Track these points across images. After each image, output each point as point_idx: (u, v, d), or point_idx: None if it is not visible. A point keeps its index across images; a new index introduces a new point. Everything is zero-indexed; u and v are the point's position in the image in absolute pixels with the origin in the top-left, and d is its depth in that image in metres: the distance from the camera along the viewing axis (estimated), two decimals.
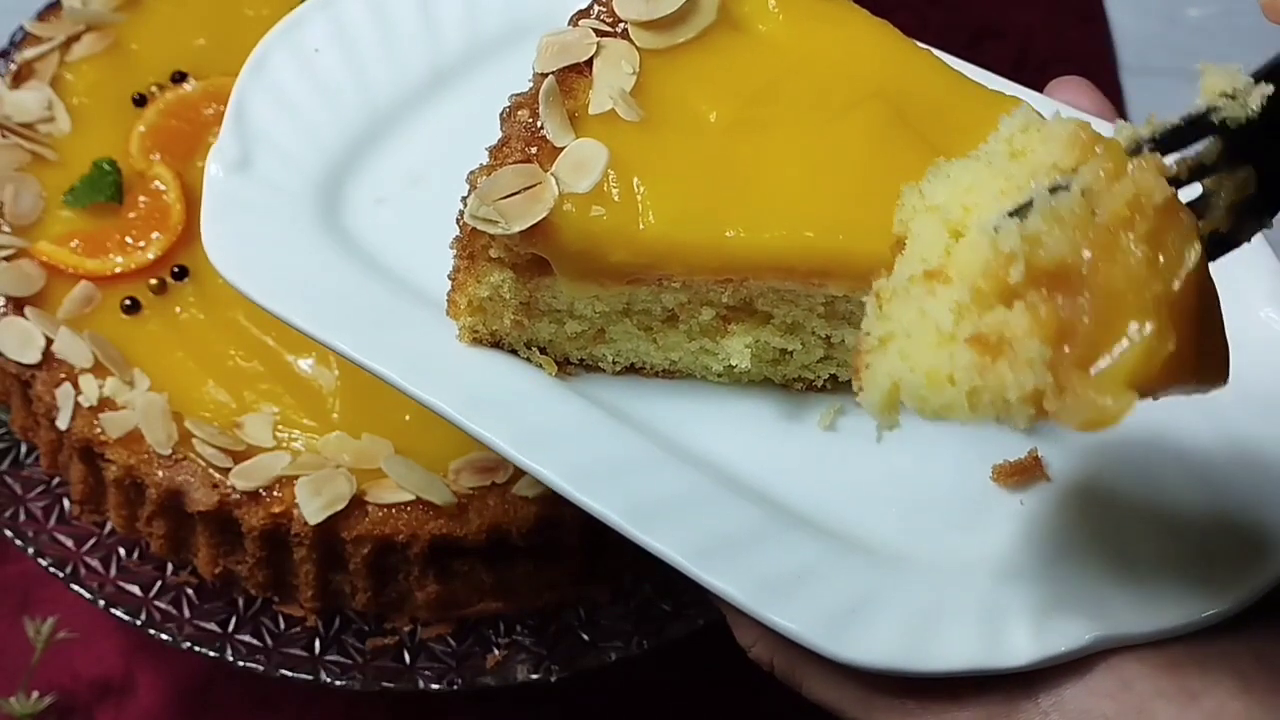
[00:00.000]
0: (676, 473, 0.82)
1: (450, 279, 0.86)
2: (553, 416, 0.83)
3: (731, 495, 0.81)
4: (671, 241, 0.79)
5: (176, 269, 1.18)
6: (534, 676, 1.12)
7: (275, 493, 1.06)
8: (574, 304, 0.85)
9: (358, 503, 1.06)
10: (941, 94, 0.85)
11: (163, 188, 1.22)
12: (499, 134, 0.84)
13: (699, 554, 0.77)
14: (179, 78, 1.29)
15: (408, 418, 1.11)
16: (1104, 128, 0.93)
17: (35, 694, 1.20)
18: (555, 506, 1.07)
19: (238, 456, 1.07)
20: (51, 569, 1.14)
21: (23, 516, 1.17)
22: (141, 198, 1.21)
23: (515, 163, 0.80)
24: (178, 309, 1.16)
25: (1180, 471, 0.83)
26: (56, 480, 1.20)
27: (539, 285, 0.84)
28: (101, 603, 1.13)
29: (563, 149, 0.81)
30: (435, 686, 1.12)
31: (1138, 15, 1.86)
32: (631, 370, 0.90)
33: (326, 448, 1.09)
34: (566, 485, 0.78)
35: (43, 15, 1.33)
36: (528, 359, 0.87)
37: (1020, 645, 0.75)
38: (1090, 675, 0.75)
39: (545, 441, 0.80)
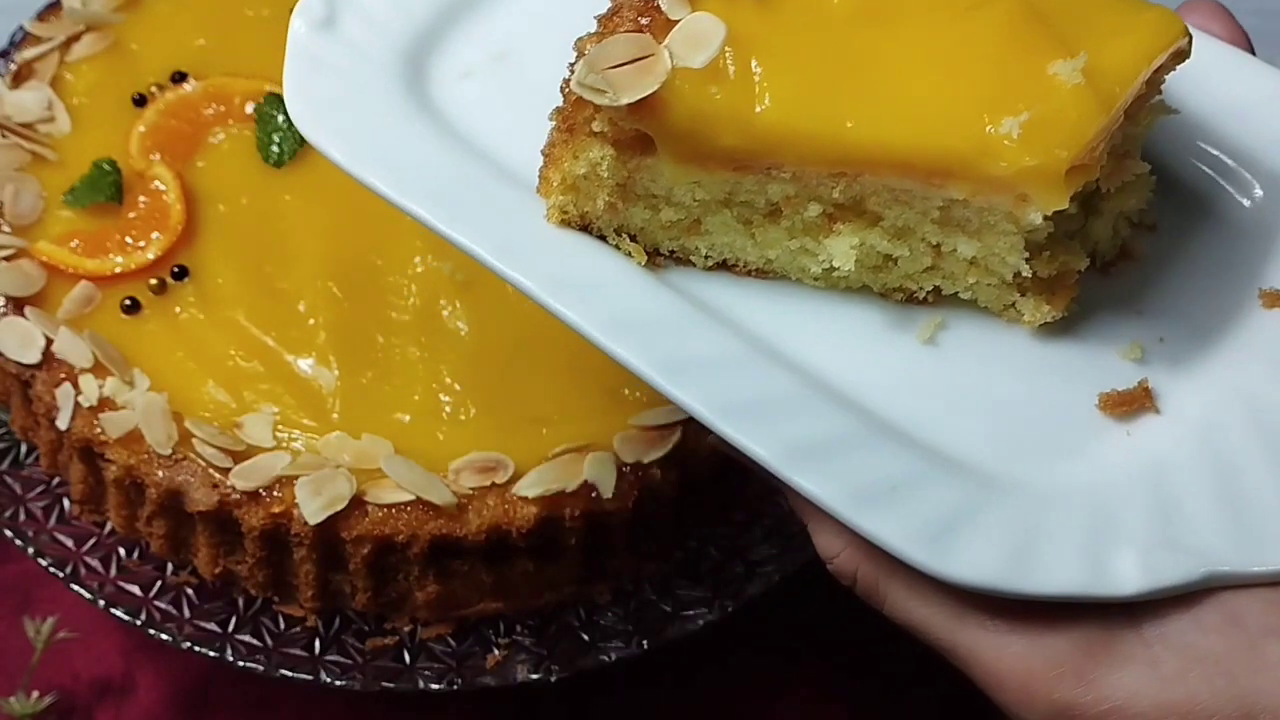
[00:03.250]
0: (767, 373, 0.78)
1: (544, 154, 0.83)
2: (641, 304, 0.81)
3: (824, 400, 0.78)
4: (787, 128, 0.76)
5: (176, 269, 1.18)
6: (534, 676, 1.12)
7: (275, 493, 1.06)
8: (672, 190, 0.82)
9: (358, 503, 1.06)
10: None
11: (163, 188, 1.22)
12: (594, 18, 0.81)
13: (790, 456, 0.74)
14: (179, 78, 1.29)
15: (408, 418, 1.11)
16: (1238, 54, 0.90)
17: (35, 694, 1.20)
18: (555, 506, 1.07)
19: (238, 456, 1.07)
20: (51, 569, 1.14)
21: (23, 516, 1.17)
22: (141, 198, 1.21)
23: (627, 32, 0.77)
24: (178, 309, 1.16)
25: None
26: (56, 480, 1.20)
27: (639, 166, 0.81)
28: (101, 603, 1.13)
29: (677, 22, 0.77)
30: (435, 686, 1.12)
31: None
32: (723, 267, 0.86)
33: (326, 448, 1.09)
34: (654, 374, 0.75)
35: (43, 15, 1.33)
36: (616, 246, 0.84)
37: (1127, 574, 0.72)
38: (1198, 609, 0.72)
39: (632, 329, 0.78)
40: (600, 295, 0.80)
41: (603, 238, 0.85)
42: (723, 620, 1.16)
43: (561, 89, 0.80)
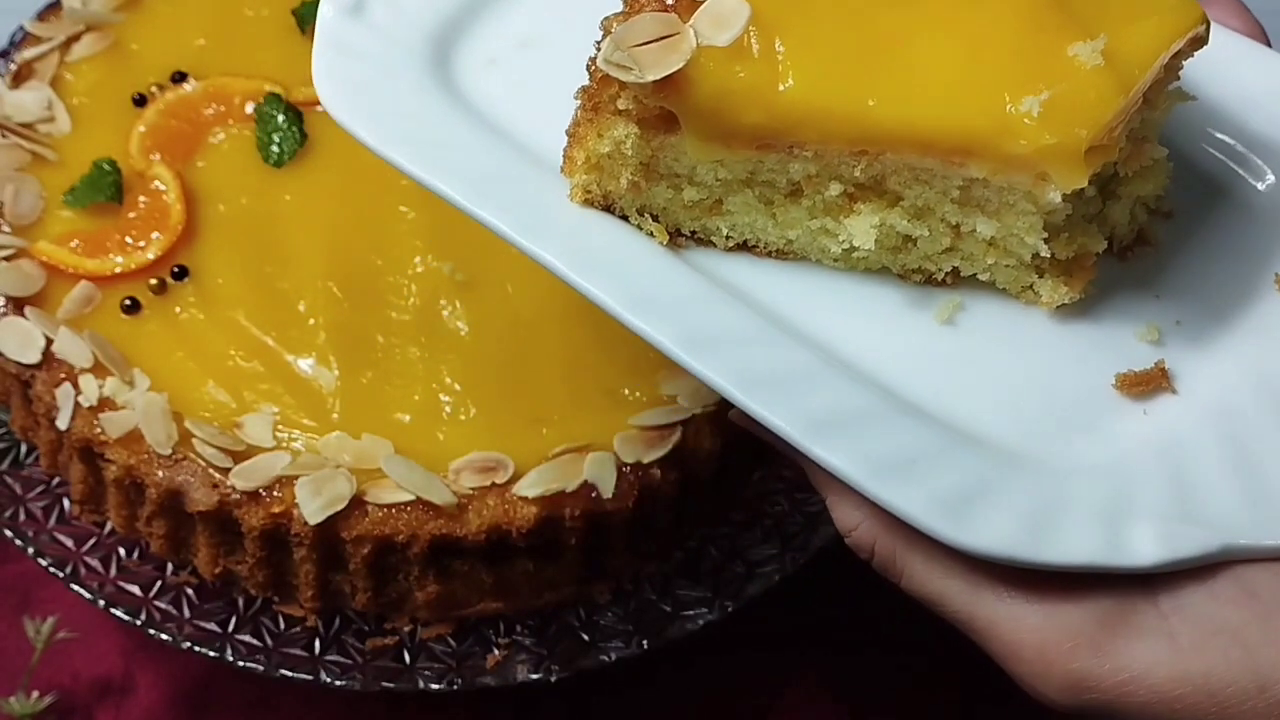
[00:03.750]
0: (787, 348, 0.80)
1: (569, 134, 0.84)
2: (663, 282, 0.82)
3: (843, 377, 0.79)
4: (810, 106, 0.77)
5: (176, 269, 1.18)
6: (534, 676, 1.13)
7: (275, 493, 1.06)
8: (695, 169, 0.83)
9: (358, 503, 1.06)
10: None
11: (163, 188, 1.22)
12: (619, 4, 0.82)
13: (810, 428, 0.75)
14: (179, 78, 1.28)
15: (408, 418, 1.11)
16: (1255, 45, 0.92)
17: (35, 694, 1.20)
18: (555, 506, 1.07)
19: (238, 456, 1.07)
20: (51, 569, 1.14)
21: (23, 516, 1.17)
22: (141, 198, 1.21)
23: (653, 11, 0.78)
24: (178, 309, 1.16)
25: None
26: (56, 480, 1.20)
27: (663, 145, 0.82)
28: (101, 603, 1.13)
29: (703, 1, 0.78)
30: (435, 686, 1.12)
31: None
32: (743, 248, 0.87)
33: (326, 448, 1.09)
34: (677, 349, 0.77)
35: (43, 15, 1.33)
36: (638, 226, 0.85)
37: (1144, 547, 0.73)
38: (1214, 582, 0.72)
39: (655, 304, 0.79)
40: (623, 272, 0.81)
41: (625, 218, 0.86)
42: (723, 620, 1.16)
43: (588, 67, 0.81)
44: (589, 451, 1.09)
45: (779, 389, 0.76)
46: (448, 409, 1.12)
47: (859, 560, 0.81)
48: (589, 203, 0.85)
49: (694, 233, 0.87)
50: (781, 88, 0.77)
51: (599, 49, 0.79)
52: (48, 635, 1.21)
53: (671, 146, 0.82)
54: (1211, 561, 0.73)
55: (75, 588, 1.14)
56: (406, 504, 1.06)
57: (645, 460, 1.09)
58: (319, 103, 1.24)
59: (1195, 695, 0.70)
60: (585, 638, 1.15)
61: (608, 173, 0.83)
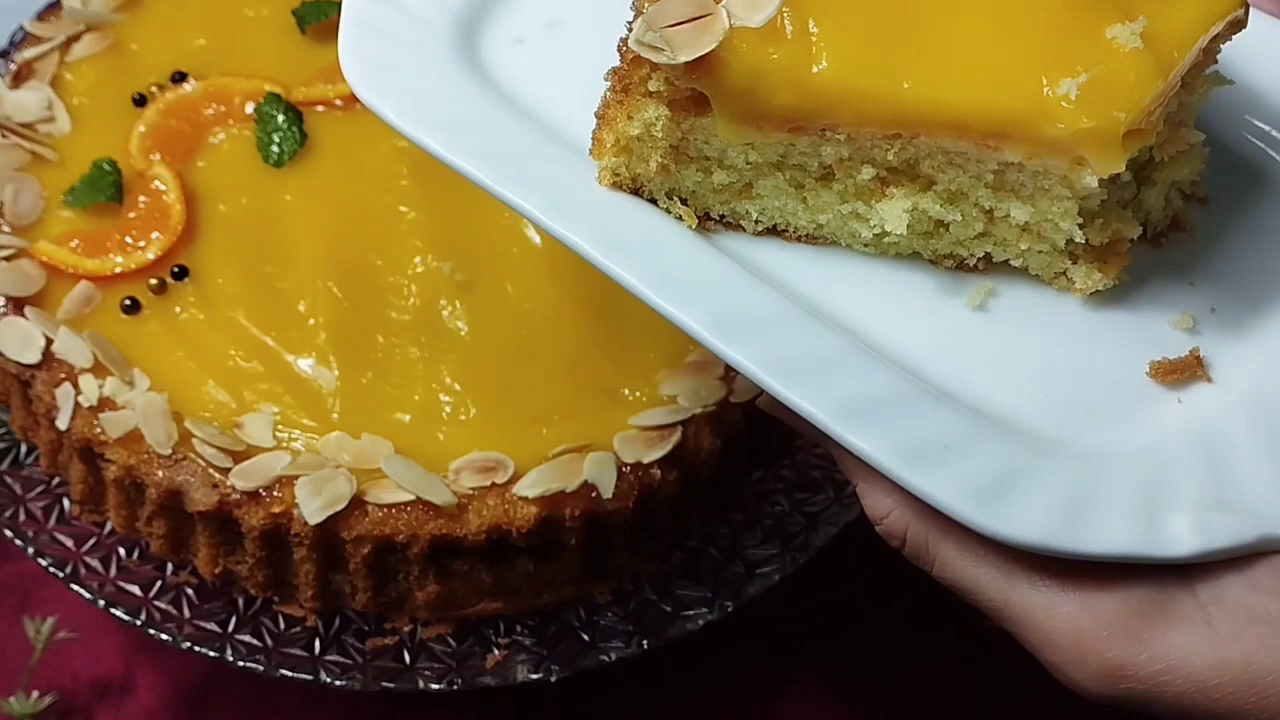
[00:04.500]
0: (818, 333, 0.79)
1: (598, 116, 0.84)
2: (692, 266, 0.81)
3: (874, 362, 0.79)
4: (844, 88, 0.77)
5: (176, 269, 1.18)
6: (534, 676, 1.13)
7: (275, 493, 1.06)
8: (726, 152, 0.83)
9: (358, 503, 1.06)
10: None
11: (163, 188, 1.22)
12: None
13: (841, 413, 0.74)
14: (179, 78, 1.29)
15: (408, 418, 1.11)
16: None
17: (35, 694, 1.20)
18: (555, 506, 1.07)
19: (238, 456, 1.07)
20: (51, 569, 1.14)
21: (23, 516, 1.17)
22: (141, 198, 1.21)
23: None
24: (178, 309, 1.16)
25: None
26: (56, 480, 1.20)
27: (693, 127, 0.82)
28: (101, 603, 1.13)
29: None
30: (435, 686, 1.12)
31: None
32: (773, 232, 0.87)
33: (326, 448, 1.09)
34: (706, 332, 0.76)
35: (43, 15, 1.33)
36: (667, 209, 0.85)
37: (1181, 536, 0.72)
38: (1252, 571, 0.72)
39: (684, 288, 0.78)
40: (652, 255, 0.81)
41: (654, 201, 0.85)
42: (723, 620, 1.16)
43: (619, 48, 0.81)
44: (589, 451, 1.09)
45: (809, 374, 0.76)
46: (448, 409, 1.12)
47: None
48: (617, 185, 0.85)
49: (723, 216, 0.87)
50: (815, 69, 0.77)
51: (630, 30, 0.79)
52: (48, 635, 1.21)
53: (702, 129, 0.82)
54: (1249, 551, 0.73)
55: (75, 588, 1.14)
56: (406, 504, 1.06)
57: (645, 460, 1.09)
58: (319, 103, 1.27)
59: (1234, 684, 0.69)
60: (585, 638, 1.15)
61: (637, 155, 0.83)
